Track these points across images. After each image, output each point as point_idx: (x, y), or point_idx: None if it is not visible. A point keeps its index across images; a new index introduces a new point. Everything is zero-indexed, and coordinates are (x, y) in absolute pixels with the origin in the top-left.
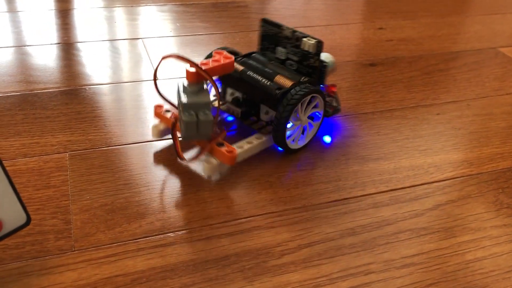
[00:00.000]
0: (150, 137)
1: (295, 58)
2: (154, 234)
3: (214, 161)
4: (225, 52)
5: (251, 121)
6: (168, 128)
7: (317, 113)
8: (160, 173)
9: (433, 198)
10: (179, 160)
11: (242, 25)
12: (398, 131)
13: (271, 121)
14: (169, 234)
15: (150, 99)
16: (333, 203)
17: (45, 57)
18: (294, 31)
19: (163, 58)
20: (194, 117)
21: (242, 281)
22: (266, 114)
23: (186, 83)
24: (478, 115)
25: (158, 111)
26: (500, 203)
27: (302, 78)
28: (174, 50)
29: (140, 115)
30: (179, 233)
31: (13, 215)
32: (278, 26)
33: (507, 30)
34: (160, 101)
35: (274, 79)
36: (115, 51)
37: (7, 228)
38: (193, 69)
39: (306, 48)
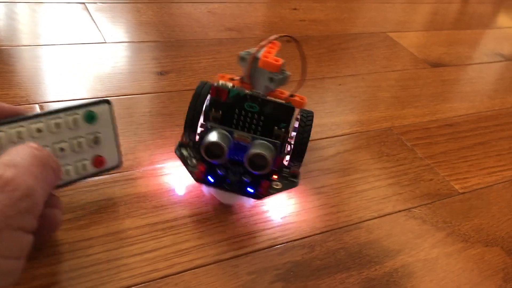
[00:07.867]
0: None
1: None
2: None
3: None
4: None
5: None
6: None
7: None
8: None
9: (335, 148)
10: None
11: None
12: (309, 98)
13: None
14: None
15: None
16: None
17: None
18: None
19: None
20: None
21: None
22: None
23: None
24: (369, 87)
25: None
26: (381, 153)
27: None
28: None
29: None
30: None
31: (112, 157)
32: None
33: (395, 17)
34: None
35: None
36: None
37: (107, 165)
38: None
39: None
